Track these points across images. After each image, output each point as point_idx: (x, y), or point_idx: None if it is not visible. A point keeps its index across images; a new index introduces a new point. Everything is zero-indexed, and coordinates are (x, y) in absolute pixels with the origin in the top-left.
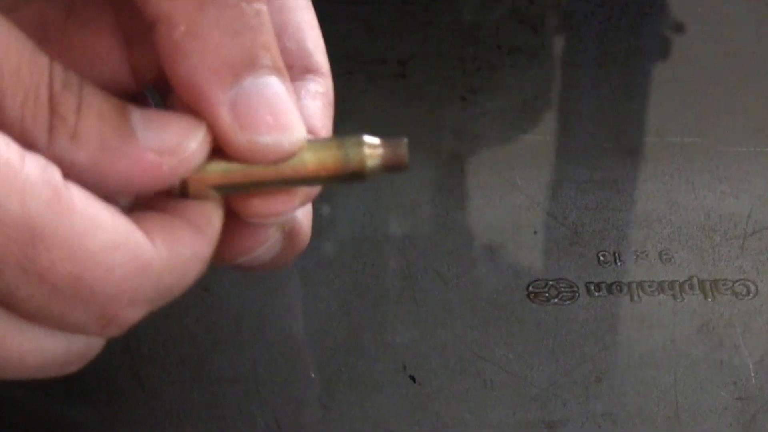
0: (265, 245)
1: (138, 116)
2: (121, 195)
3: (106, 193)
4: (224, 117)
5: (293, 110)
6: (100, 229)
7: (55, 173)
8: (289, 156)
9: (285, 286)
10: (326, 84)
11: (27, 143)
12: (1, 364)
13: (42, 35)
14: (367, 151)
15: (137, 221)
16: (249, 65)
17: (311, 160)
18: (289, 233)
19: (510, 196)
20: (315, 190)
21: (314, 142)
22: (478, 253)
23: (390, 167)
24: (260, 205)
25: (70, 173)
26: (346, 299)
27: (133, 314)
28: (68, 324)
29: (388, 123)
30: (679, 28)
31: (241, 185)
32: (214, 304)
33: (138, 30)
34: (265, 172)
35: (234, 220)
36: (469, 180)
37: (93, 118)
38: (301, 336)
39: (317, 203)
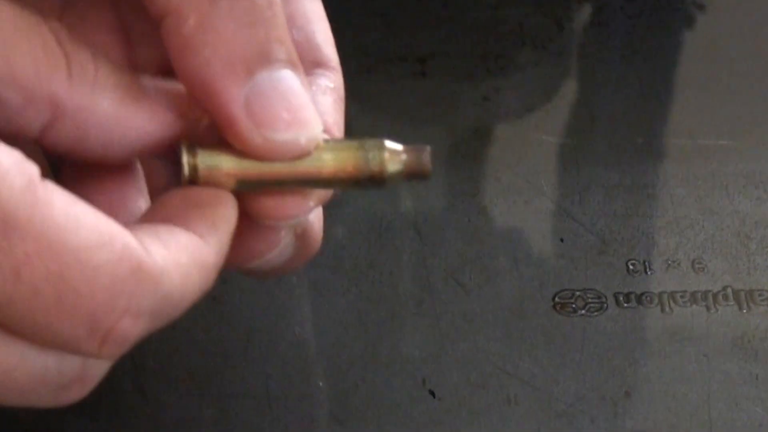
0: (277, 249)
1: (148, 79)
2: (134, 151)
3: (124, 147)
4: (238, 114)
5: (309, 105)
6: (82, 226)
7: (31, 168)
8: (305, 153)
9: (298, 296)
10: (336, 79)
11: (47, 96)
12: None
13: None
14: (387, 155)
15: (129, 230)
16: (263, 59)
17: (330, 161)
18: (302, 236)
19: (535, 201)
20: (329, 192)
21: (333, 142)
22: (501, 262)
23: (412, 175)
24: (273, 207)
25: (91, 125)
26: (362, 310)
27: (132, 327)
28: (58, 339)
29: (408, 124)
30: (703, 6)
31: (254, 183)
32: (223, 315)
33: (139, 26)
34: (281, 171)
35: (245, 223)
36: (491, 184)
37: (110, 71)
38: (314, 349)
39: (328, 207)
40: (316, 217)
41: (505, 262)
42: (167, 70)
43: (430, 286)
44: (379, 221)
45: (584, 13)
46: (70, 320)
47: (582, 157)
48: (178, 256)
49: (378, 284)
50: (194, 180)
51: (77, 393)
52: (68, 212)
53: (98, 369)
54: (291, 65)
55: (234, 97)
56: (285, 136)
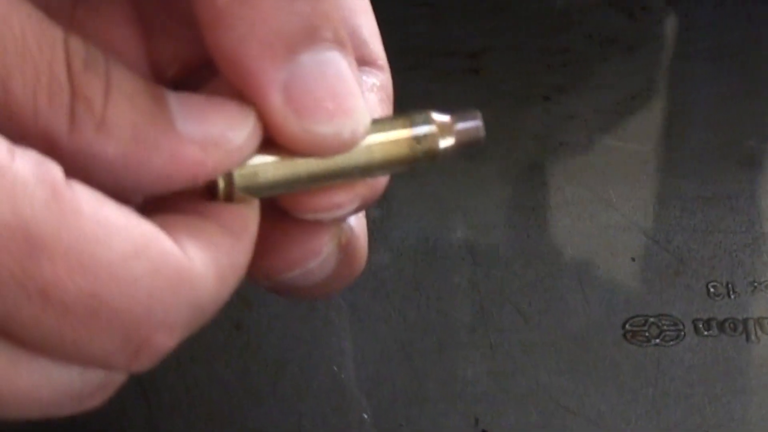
0: (318, 258)
1: (176, 102)
2: (151, 194)
3: (133, 193)
4: (276, 101)
5: (358, 93)
6: (115, 234)
7: (53, 170)
8: (350, 147)
9: (334, 323)
10: (384, 77)
11: (42, 135)
12: (7, 402)
13: None
14: (438, 132)
15: (161, 226)
16: (307, 38)
17: (378, 150)
18: (346, 247)
19: (603, 215)
20: (379, 186)
21: (377, 124)
22: (565, 285)
23: (465, 146)
24: (314, 196)
25: (94, 170)
26: (407, 339)
27: (167, 340)
28: (87, 355)
29: None
30: None
31: (297, 183)
32: (249, 345)
33: (159, 18)
34: (324, 166)
35: (282, 225)
36: (553, 196)
37: (124, 103)
38: (353, 383)
39: (370, 224)
40: (360, 228)
41: (569, 285)
42: (191, 67)
43: (483, 312)
44: (426, 238)
45: (660, 3)
46: (101, 337)
47: (656, 165)
48: (217, 258)
49: (425, 310)
50: (229, 198)
51: (99, 399)
52: (98, 219)
53: (121, 374)
54: (339, 46)
55: (271, 81)
56: (328, 128)
